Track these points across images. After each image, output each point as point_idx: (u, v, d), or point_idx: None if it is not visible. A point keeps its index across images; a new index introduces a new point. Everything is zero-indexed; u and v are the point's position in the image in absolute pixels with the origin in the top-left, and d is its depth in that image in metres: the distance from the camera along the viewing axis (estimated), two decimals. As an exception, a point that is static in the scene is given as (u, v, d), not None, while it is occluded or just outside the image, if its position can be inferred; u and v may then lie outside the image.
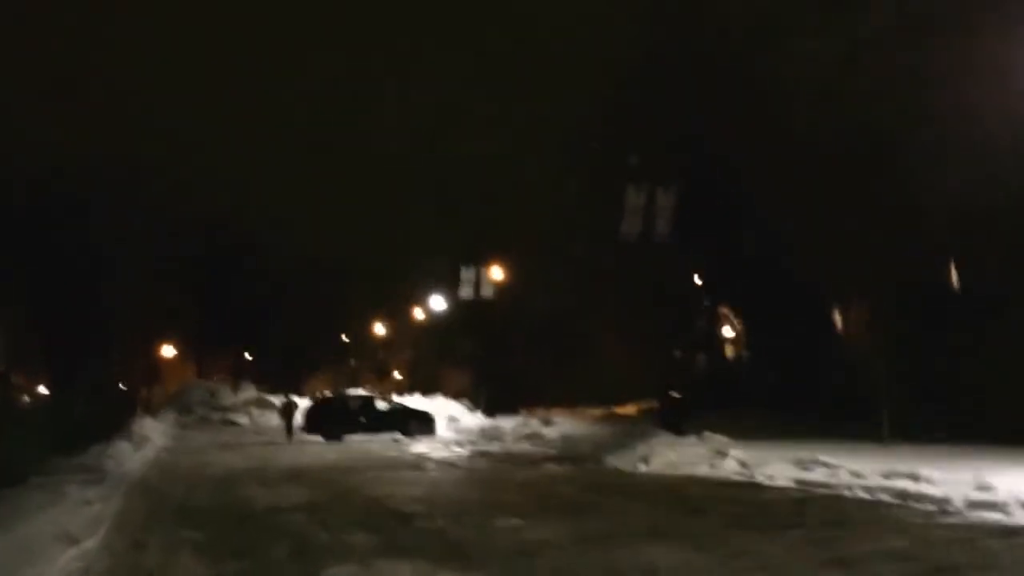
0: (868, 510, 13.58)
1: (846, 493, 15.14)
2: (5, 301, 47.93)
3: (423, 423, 39.07)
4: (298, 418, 40.15)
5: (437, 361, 66.28)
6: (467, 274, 45.75)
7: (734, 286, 36.99)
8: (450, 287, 49.18)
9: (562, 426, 33.43)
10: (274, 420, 46.25)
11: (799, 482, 16.73)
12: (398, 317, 68.11)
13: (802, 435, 22.60)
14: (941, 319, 26.83)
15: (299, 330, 71.14)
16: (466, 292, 46.00)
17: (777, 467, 18.02)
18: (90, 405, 35.48)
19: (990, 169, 22.30)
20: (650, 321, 37.89)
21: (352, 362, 79.65)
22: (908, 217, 24.96)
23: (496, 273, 45.31)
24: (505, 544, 11.65)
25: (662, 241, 29.71)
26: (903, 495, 14.09)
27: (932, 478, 14.39)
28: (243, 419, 54.33)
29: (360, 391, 48.20)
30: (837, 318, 33.37)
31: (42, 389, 58.92)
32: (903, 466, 15.57)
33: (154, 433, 39.28)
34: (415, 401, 47.72)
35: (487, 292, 45.37)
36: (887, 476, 15.26)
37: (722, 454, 20.30)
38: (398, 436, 37.32)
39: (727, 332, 43.26)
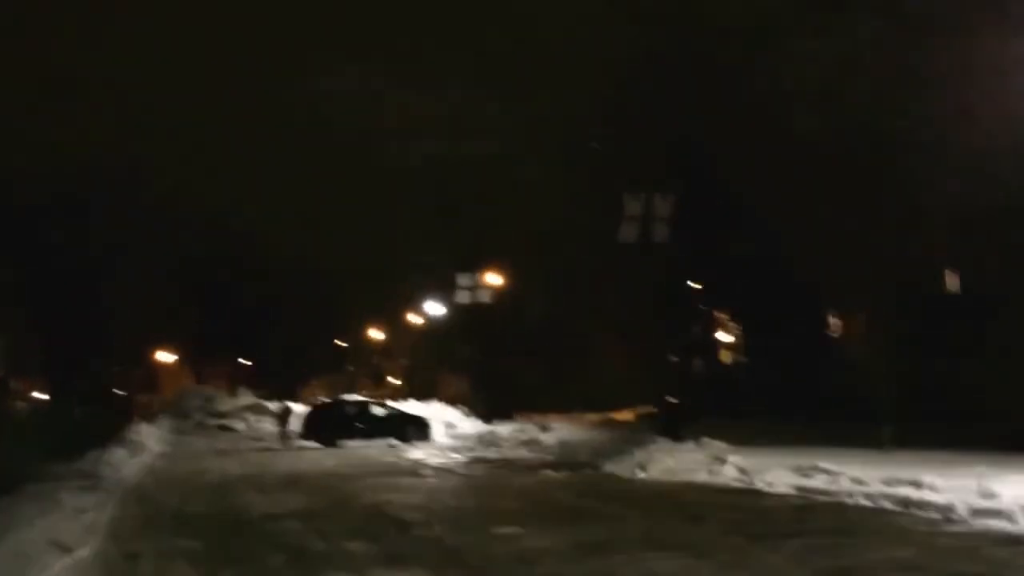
0: (870, 518, 13.44)
1: (847, 500, 15.01)
2: (3, 306, 47.82)
3: (420, 429, 39.00)
4: (295, 424, 40.00)
5: (434, 367, 66.13)
6: (464, 279, 45.64)
7: (731, 290, 36.85)
8: (447, 292, 49.04)
9: (559, 432, 33.30)
10: (271, 426, 46.08)
11: (799, 489, 16.60)
12: (395, 322, 67.94)
13: (801, 440, 22.44)
14: (941, 321, 26.74)
15: (296, 336, 70.96)
16: (463, 297, 45.89)
17: (777, 473, 17.88)
18: (87, 411, 35.37)
19: (990, 170, 22.19)
20: (647, 326, 37.74)
21: (349, 368, 79.49)
22: (908, 219, 24.86)
23: (493, 278, 45.21)
24: (503, 552, 11.52)
25: (660, 245, 29.62)
26: (906, 502, 13.95)
27: (935, 485, 14.21)
28: (240, 425, 54.17)
29: (357, 397, 48.01)
30: (835, 322, 33.27)
31: (40, 394, 58.78)
32: (905, 472, 15.41)
33: (151, 439, 39.11)
34: (412, 407, 47.55)
35: (484, 297, 45.25)
36: (889, 483, 15.10)
37: (721, 460, 20.17)
38: (395, 442, 37.21)
39: (724, 337, 43.14)
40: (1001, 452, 17.95)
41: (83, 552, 12.34)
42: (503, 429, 36.84)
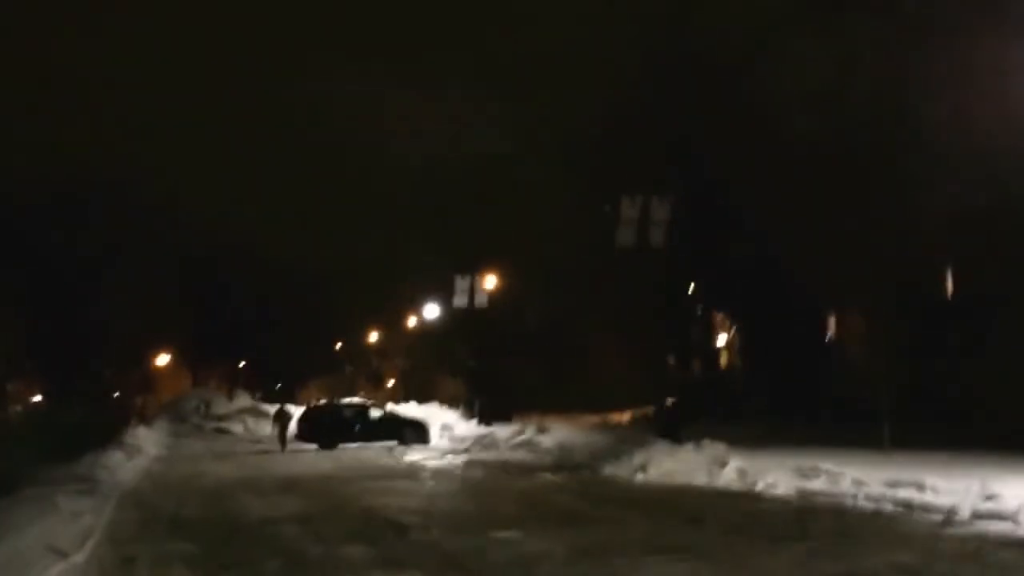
0: (872, 520, 13.36)
1: (849, 502, 14.92)
2: (1, 307, 47.74)
3: (418, 431, 38.90)
4: (292, 427, 39.90)
5: (432, 369, 66.04)
6: (462, 282, 45.53)
7: (730, 292, 36.79)
8: (445, 294, 48.93)
9: (557, 434, 33.15)
10: (268, 429, 45.93)
11: (800, 491, 16.52)
12: (393, 325, 67.84)
13: (801, 442, 22.36)
14: (940, 322, 26.68)
15: (294, 338, 70.82)
16: (460, 300, 45.77)
17: (777, 476, 17.78)
18: (84, 414, 35.24)
19: (988, 171, 22.16)
20: (645, 327, 37.65)
21: (347, 369, 79.38)
22: (907, 220, 24.79)
23: (490, 281, 45.12)
24: (502, 557, 11.43)
25: (657, 248, 29.54)
26: (908, 504, 13.87)
27: (937, 487, 14.10)
28: (237, 428, 54.06)
29: (354, 399, 47.92)
30: (834, 323, 33.21)
31: (37, 397, 58.68)
32: (906, 474, 15.32)
33: (148, 442, 38.97)
34: (410, 409, 47.50)
35: (482, 299, 45.14)
36: (891, 485, 14.99)
37: (721, 463, 20.06)
38: (392, 444, 37.11)
39: (721, 340, 43.08)
40: (1002, 453, 17.88)
41: (79, 557, 12.24)
42: (501, 431, 36.72)
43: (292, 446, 38.01)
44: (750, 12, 29.06)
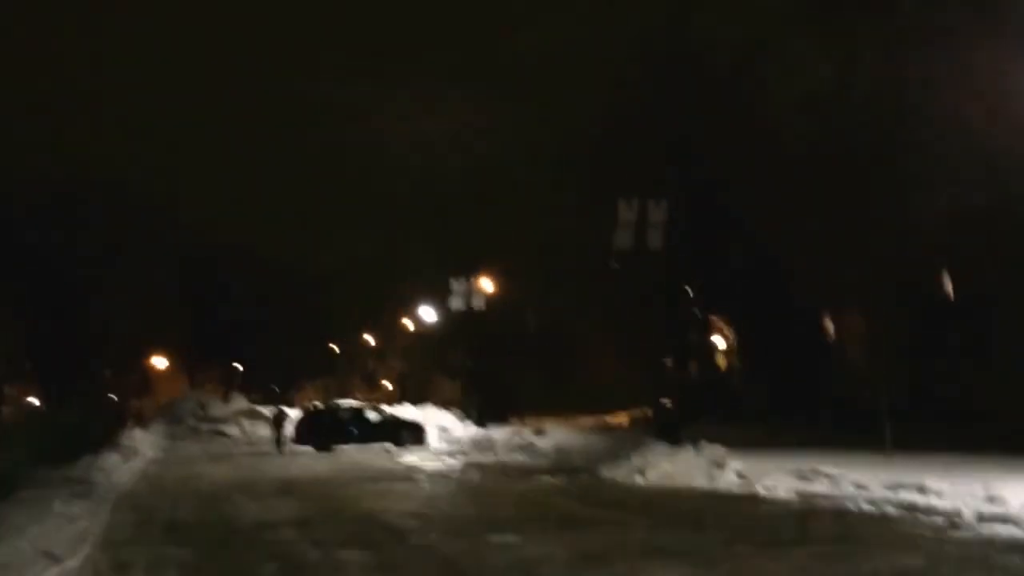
0: (875, 524, 13.21)
1: (850, 506, 14.77)
2: (0, 308, 47.68)
3: (414, 433, 38.84)
4: (289, 429, 39.79)
5: (429, 371, 65.98)
6: (458, 285, 45.46)
7: (728, 293, 36.74)
8: (442, 296, 48.87)
9: (554, 436, 33.10)
10: (265, 431, 45.85)
11: (801, 494, 16.38)
12: (390, 326, 67.77)
13: (801, 444, 22.29)
14: (940, 323, 26.61)
15: (291, 340, 70.68)
16: (457, 303, 45.69)
17: (777, 478, 17.66)
18: (81, 416, 35.16)
19: (987, 171, 22.11)
20: (642, 329, 37.62)
21: (344, 371, 79.25)
22: (906, 221, 24.73)
23: (487, 284, 45.04)
24: (502, 561, 11.29)
25: (655, 250, 29.48)
26: (910, 508, 13.72)
27: (940, 490, 13.98)
28: (234, 430, 53.95)
29: (351, 401, 47.82)
30: (833, 324, 33.13)
31: (34, 399, 58.59)
32: (908, 477, 15.20)
33: (144, 444, 38.90)
34: (406, 411, 47.38)
35: (478, 303, 45.07)
36: (892, 488, 14.87)
37: (720, 465, 19.94)
38: (389, 447, 37.06)
39: (719, 342, 43.01)
40: (1004, 454, 17.79)
41: (73, 562, 12.11)
42: (498, 433, 36.65)
43: (288, 448, 37.92)
44: (750, 12, 29.03)
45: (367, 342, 73.37)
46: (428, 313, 54.99)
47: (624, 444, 25.78)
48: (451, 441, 39.26)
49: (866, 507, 14.52)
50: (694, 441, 22.96)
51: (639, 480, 20.59)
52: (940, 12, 23.22)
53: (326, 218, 67.09)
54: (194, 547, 13.33)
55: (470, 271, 45.27)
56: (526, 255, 42.03)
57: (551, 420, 41.18)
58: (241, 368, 76.06)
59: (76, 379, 52.19)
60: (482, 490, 21.24)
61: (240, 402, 60.69)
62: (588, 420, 42.41)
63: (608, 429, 37.79)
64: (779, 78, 26.92)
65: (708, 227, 32.11)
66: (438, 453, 34.21)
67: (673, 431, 25.98)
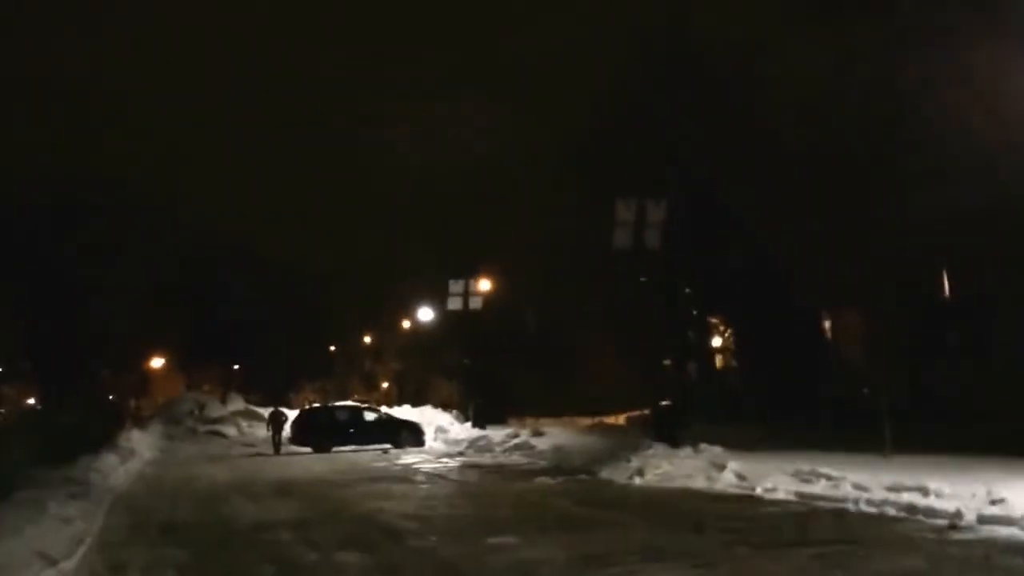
0: (876, 525, 13.14)
1: (850, 507, 14.70)
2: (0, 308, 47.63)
3: (412, 434, 38.81)
4: (287, 430, 39.72)
5: (426, 372, 65.91)
6: (455, 286, 45.37)
7: (727, 294, 36.69)
8: (440, 297, 48.80)
9: (552, 436, 33.00)
10: (262, 432, 45.76)
11: (800, 495, 16.30)
12: (387, 328, 67.72)
13: (800, 445, 22.18)
14: (939, 323, 26.57)
15: (289, 340, 70.62)
16: (455, 304, 45.61)
17: (777, 479, 17.57)
18: (79, 417, 35.05)
19: (987, 172, 22.06)
20: (641, 329, 37.57)
21: (342, 371, 79.19)
22: (905, 221, 24.68)
23: (485, 285, 44.98)
24: (500, 564, 11.24)
25: (654, 250, 29.43)
26: (911, 509, 13.64)
27: (941, 491, 13.87)
28: (231, 431, 53.84)
29: (349, 402, 47.76)
30: (831, 325, 33.08)
31: (32, 400, 58.52)
32: (908, 478, 15.10)
33: (141, 445, 38.78)
34: (404, 412, 47.33)
35: (476, 304, 44.99)
36: (893, 489, 14.77)
37: (719, 466, 19.84)
38: (387, 447, 37.00)
39: (717, 342, 42.97)
40: (1004, 455, 17.70)
41: (69, 564, 12.05)
42: (496, 434, 36.54)
43: (286, 449, 37.87)
44: (749, 13, 28.97)
45: (365, 342, 73.29)
46: (427, 313, 54.93)
47: (623, 445, 25.70)
48: (449, 442, 39.17)
49: (866, 508, 14.46)
50: (693, 442, 22.95)
51: (638, 481, 20.52)
52: (940, 12, 23.16)
53: (326, 218, 66.96)
54: (191, 548, 13.29)
55: (470, 271, 45.21)
56: (525, 255, 41.94)
57: (549, 421, 41.13)
58: (238, 369, 76.04)
59: (76, 379, 52.10)
60: (480, 491, 21.17)
61: (237, 403, 60.60)
62: (587, 421, 42.30)
63: (607, 430, 37.65)
64: (779, 78, 26.85)
65: (707, 227, 32.06)
66: (436, 454, 34.16)
67: (672, 432, 25.89)
